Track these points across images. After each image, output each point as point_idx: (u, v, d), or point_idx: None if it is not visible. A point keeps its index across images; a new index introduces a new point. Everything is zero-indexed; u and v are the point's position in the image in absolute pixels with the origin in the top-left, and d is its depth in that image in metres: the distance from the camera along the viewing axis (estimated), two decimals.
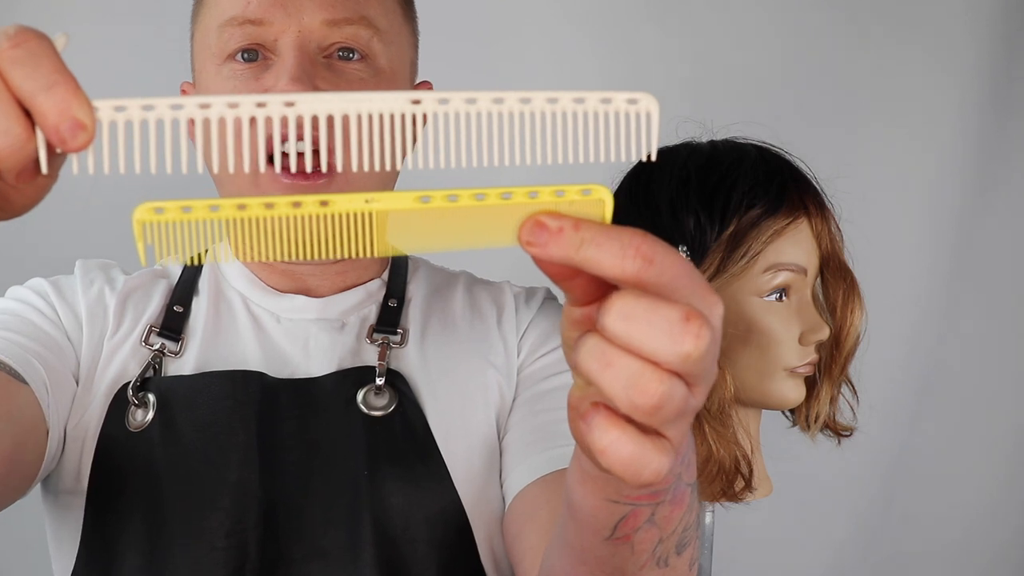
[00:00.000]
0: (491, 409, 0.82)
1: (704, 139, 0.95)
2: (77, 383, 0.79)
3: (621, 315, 0.37)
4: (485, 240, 0.42)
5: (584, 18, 1.58)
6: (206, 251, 0.91)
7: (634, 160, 0.41)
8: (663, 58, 1.59)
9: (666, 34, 1.59)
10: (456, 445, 0.80)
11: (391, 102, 0.41)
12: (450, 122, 0.41)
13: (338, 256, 0.42)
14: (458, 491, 0.78)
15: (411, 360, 0.83)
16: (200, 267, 0.89)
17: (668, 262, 0.38)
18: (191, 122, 0.40)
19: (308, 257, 0.43)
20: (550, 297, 0.93)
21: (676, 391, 0.38)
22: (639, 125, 0.41)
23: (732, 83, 1.58)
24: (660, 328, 0.37)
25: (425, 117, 0.41)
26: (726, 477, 0.89)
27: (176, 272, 0.88)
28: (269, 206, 0.40)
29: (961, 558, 1.74)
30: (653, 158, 0.41)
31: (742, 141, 0.94)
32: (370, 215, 0.41)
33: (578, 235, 0.38)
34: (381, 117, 0.41)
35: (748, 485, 0.91)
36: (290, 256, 0.42)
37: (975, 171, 1.65)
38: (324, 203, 0.41)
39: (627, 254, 0.38)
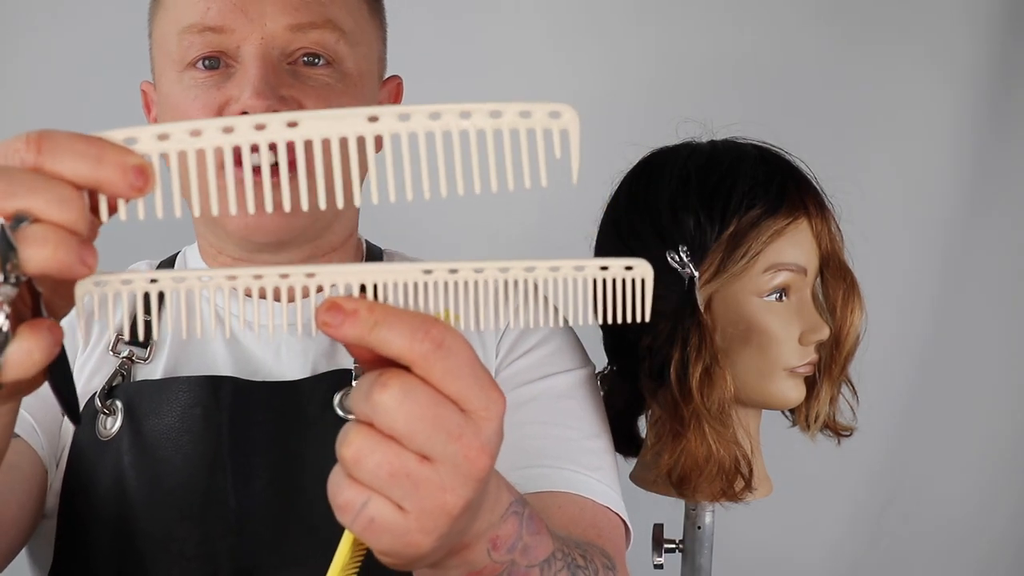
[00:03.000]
0: None
1: (704, 139, 0.95)
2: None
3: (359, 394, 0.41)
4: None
5: (583, 18, 1.58)
6: (176, 254, 0.91)
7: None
8: (663, 58, 1.59)
9: (666, 34, 1.59)
10: None
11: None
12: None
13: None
14: None
15: None
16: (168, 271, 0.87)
17: (456, 349, 0.40)
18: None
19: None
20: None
21: (376, 448, 0.40)
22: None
23: (732, 83, 1.58)
24: (360, 389, 0.40)
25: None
26: (726, 477, 0.89)
27: None
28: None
29: (960, 558, 1.74)
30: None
31: (742, 141, 0.94)
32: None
33: (371, 317, 0.40)
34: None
35: (748, 485, 0.91)
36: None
37: (975, 171, 1.65)
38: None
39: (417, 337, 0.39)
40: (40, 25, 1.44)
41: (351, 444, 0.40)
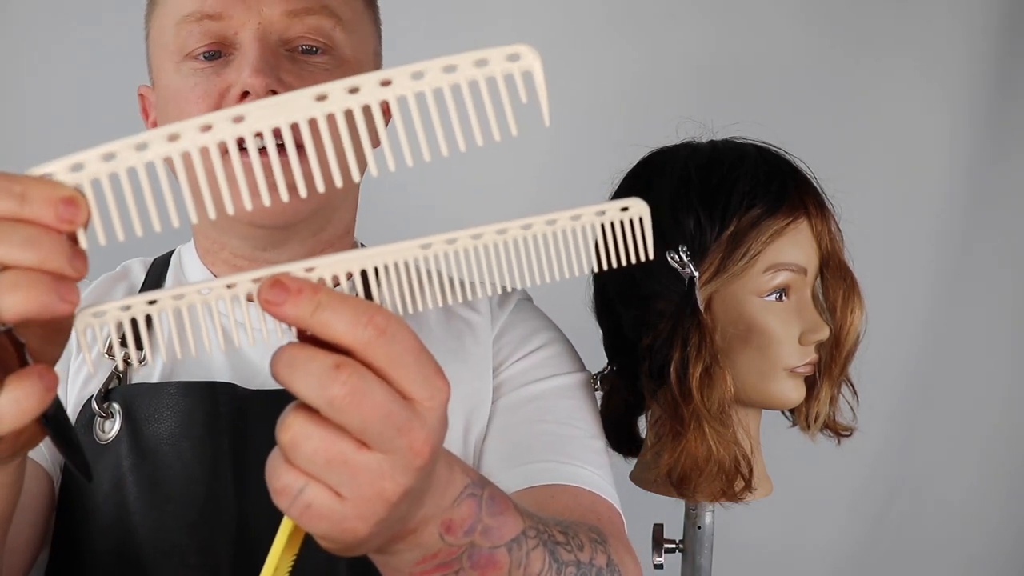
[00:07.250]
0: (466, 420, 0.81)
1: (704, 139, 0.95)
2: None
3: (285, 363, 0.39)
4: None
5: (584, 19, 1.58)
6: (170, 252, 0.91)
7: None
8: (664, 58, 1.59)
9: (667, 34, 1.59)
10: None
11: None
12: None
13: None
14: None
15: None
16: (164, 271, 0.86)
17: (400, 337, 0.39)
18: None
19: None
20: (525, 298, 0.92)
21: (313, 434, 0.39)
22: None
23: (732, 83, 1.58)
24: (311, 373, 0.39)
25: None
26: (726, 477, 0.89)
27: (138, 275, 0.85)
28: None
29: (960, 558, 1.74)
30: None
31: (742, 141, 0.94)
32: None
33: (315, 297, 0.39)
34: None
35: (748, 485, 0.91)
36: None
37: (975, 171, 1.65)
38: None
39: (360, 322, 0.39)
40: (41, 29, 1.43)
41: (288, 428, 0.40)
